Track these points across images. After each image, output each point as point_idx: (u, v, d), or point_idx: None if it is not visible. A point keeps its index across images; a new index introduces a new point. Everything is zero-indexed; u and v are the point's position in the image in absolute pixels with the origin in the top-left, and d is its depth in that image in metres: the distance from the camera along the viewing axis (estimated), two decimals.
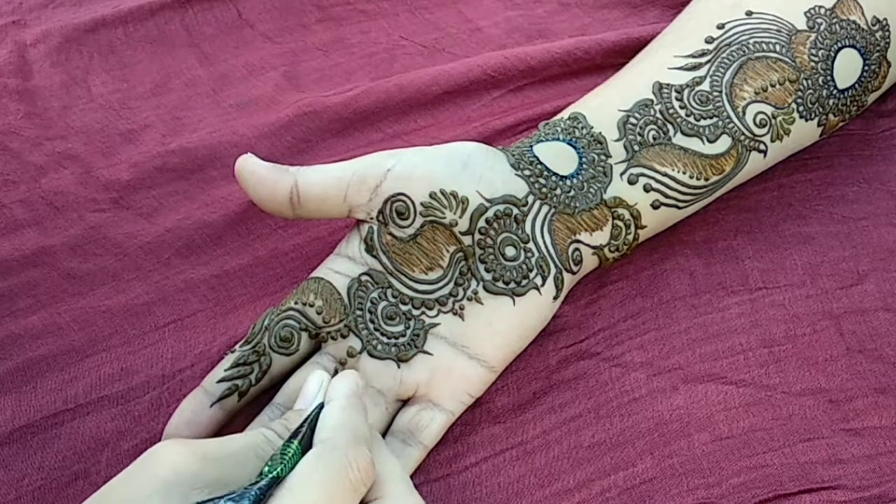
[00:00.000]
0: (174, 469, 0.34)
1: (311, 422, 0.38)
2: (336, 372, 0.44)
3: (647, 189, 0.47)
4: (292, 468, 0.35)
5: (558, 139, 0.47)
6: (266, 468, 0.35)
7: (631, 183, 0.47)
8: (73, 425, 0.45)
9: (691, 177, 0.47)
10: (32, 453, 0.44)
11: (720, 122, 0.48)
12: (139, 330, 0.47)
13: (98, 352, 0.46)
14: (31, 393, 0.45)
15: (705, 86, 0.48)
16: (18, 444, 0.44)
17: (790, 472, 0.44)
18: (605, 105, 0.49)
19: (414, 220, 0.44)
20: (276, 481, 0.34)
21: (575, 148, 0.47)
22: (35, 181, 0.51)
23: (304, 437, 0.37)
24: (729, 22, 0.50)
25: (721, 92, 0.48)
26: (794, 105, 0.49)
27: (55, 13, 0.59)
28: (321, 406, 0.38)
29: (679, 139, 0.47)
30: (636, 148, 0.47)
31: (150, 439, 0.44)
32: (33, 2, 0.60)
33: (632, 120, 0.47)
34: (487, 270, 0.44)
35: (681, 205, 0.48)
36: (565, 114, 0.49)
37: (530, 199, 0.45)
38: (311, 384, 0.40)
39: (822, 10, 0.50)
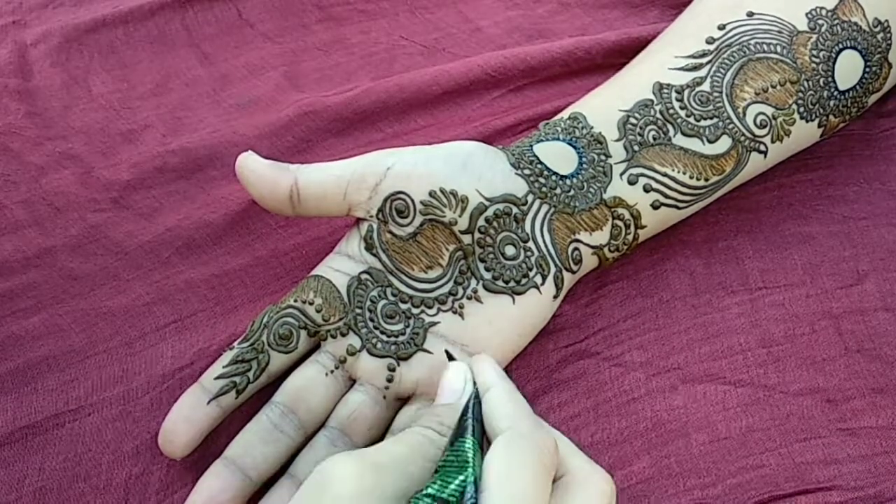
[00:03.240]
0: (357, 487, 0.32)
1: (475, 413, 0.36)
2: (333, 371, 0.45)
3: (646, 189, 0.47)
4: (480, 465, 0.33)
5: (558, 139, 0.47)
6: (451, 471, 0.33)
7: (631, 183, 0.47)
8: (73, 426, 0.44)
9: (691, 177, 0.47)
10: (33, 454, 0.44)
11: (720, 123, 0.47)
12: (140, 331, 0.47)
13: (98, 353, 0.46)
14: (31, 394, 0.45)
15: (706, 86, 0.48)
16: (19, 444, 0.44)
17: (786, 473, 0.44)
18: (605, 105, 0.49)
19: (414, 218, 0.44)
20: (476, 482, 0.33)
21: (575, 148, 0.47)
22: (35, 181, 0.51)
23: (476, 431, 0.35)
24: (730, 22, 0.50)
25: (721, 92, 0.48)
26: (794, 106, 0.49)
27: (55, 13, 0.59)
28: (477, 396, 0.37)
29: (679, 139, 0.47)
30: (636, 148, 0.47)
31: (151, 439, 0.44)
32: (33, 2, 0.60)
33: (632, 120, 0.47)
34: (487, 269, 0.44)
35: (681, 205, 0.48)
36: (565, 114, 0.49)
37: (530, 198, 0.45)
38: (456, 377, 0.38)
39: (824, 12, 0.50)
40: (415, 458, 0.35)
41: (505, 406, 0.36)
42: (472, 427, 0.35)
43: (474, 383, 0.38)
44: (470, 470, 0.33)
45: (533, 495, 0.33)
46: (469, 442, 0.34)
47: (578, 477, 0.36)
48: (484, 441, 0.35)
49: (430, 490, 0.33)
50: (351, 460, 0.33)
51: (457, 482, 0.33)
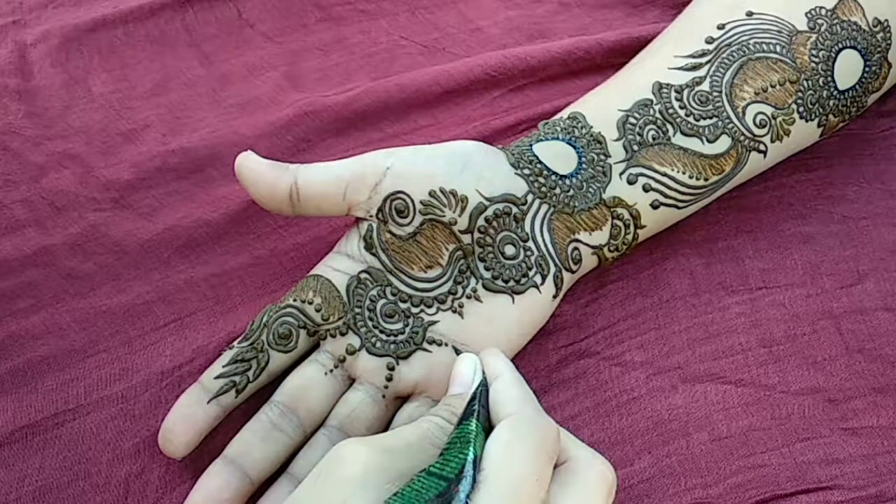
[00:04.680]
0: (365, 468, 0.33)
1: (482, 400, 0.37)
2: (332, 370, 0.45)
3: (646, 189, 0.47)
4: (482, 447, 0.34)
5: (558, 139, 0.47)
6: (453, 451, 0.34)
7: (630, 183, 0.47)
8: (73, 425, 0.45)
9: (691, 177, 0.47)
10: (33, 454, 0.44)
11: (720, 123, 0.47)
12: (139, 330, 0.47)
13: (98, 352, 0.46)
14: (31, 393, 0.45)
15: (705, 86, 0.48)
16: (19, 444, 0.44)
17: (787, 472, 0.44)
18: (604, 105, 0.49)
19: (413, 218, 0.44)
20: (476, 461, 0.33)
21: (574, 147, 0.47)
22: (35, 181, 0.51)
23: (480, 416, 0.36)
24: (729, 22, 0.50)
25: (721, 92, 0.48)
26: (794, 106, 0.49)
27: (55, 13, 0.59)
28: (484, 384, 0.38)
29: (678, 139, 0.47)
30: (635, 148, 0.47)
31: (150, 437, 0.44)
32: (33, 2, 0.60)
33: (631, 120, 0.47)
34: (487, 269, 0.44)
35: (680, 205, 0.48)
36: (565, 113, 0.49)
37: (529, 197, 0.45)
38: (466, 367, 0.39)
39: (823, 11, 0.50)
40: (423, 443, 0.36)
41: (511, 392, 0.37)
42: (478, 412, 0.36)
43: (483, 373, 0.39)
44: (471, 449, 0.33)
45: (532, 477, 0.33)
46: (473, 424, 0.35)
47: (580, 462, 0.36)
48: (489, 427, 0.36)
49: (431, 469, 0.33)
50: (361, 444, 0.34)
51: (456, 461, 0.33)
